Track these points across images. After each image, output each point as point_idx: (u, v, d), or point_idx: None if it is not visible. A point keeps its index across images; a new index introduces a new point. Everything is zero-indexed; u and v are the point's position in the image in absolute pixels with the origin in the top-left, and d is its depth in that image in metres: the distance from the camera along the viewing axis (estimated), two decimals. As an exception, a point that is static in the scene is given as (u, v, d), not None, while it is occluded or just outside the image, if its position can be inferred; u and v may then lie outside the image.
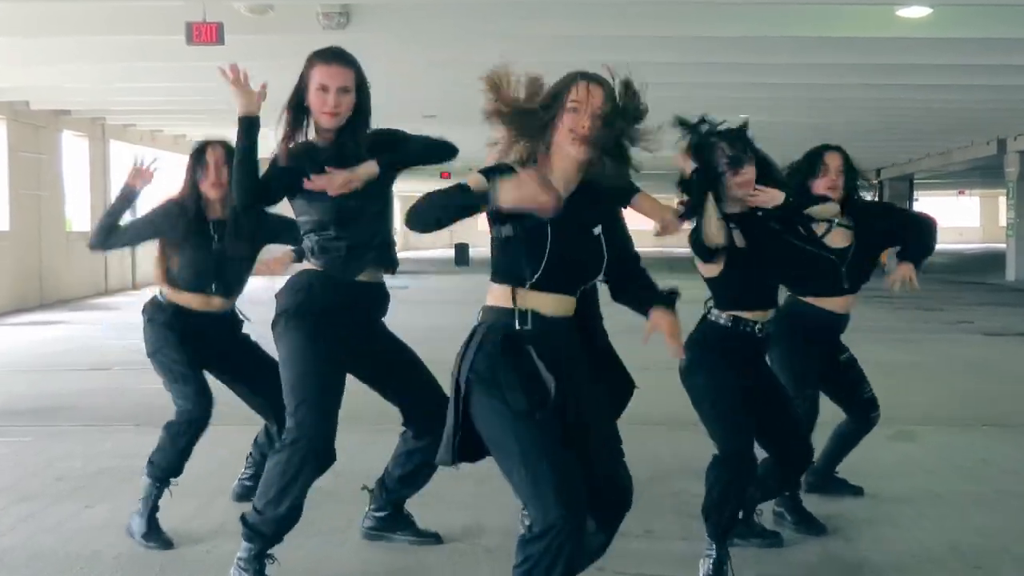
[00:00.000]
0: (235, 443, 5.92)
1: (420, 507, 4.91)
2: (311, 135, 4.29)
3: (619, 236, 3.53)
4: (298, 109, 4.24)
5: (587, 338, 3.65)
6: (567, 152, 3.33)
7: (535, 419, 3.27)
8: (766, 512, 4.99)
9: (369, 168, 4.22)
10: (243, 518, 4.28)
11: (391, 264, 4.45)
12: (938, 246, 5.31)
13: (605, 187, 3.43)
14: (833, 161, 5.11)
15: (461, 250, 34.65)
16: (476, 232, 37.46)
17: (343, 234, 4.26)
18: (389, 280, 4.50)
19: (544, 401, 3.30)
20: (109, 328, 14.40)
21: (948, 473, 6.21)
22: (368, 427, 5.89)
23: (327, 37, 11.63)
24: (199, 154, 5.00)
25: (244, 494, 5.33)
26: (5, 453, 6.79)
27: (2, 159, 17.79)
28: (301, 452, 4.18)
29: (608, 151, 3.35)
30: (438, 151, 4.46)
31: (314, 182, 4.11)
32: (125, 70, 14.95)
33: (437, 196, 3.32)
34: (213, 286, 5.01)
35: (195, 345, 4.98)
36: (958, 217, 60.56)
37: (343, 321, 4.28)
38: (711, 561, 4.37)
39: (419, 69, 14.56)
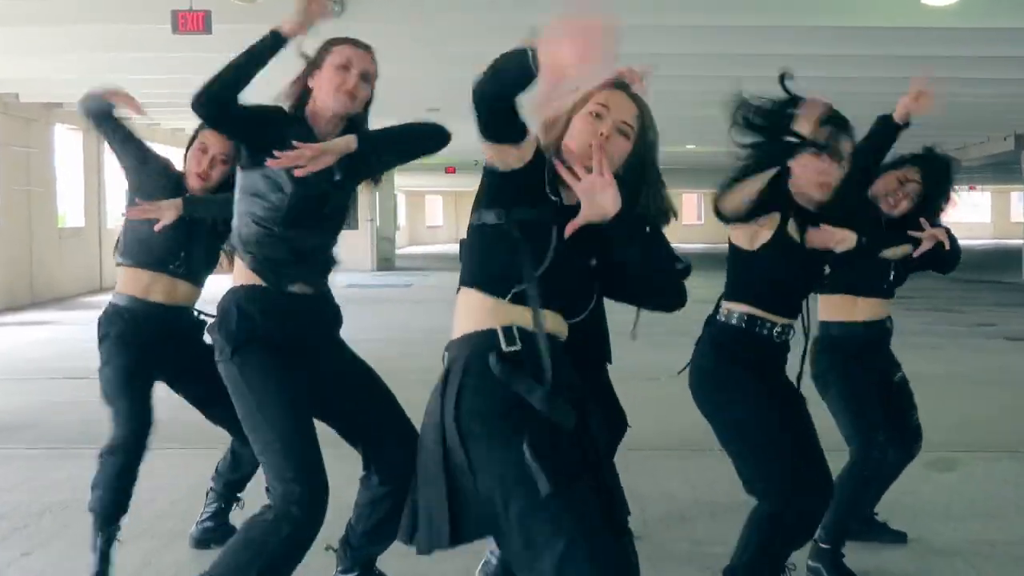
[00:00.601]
0: (202, 470, 5.28)
1: (398, 557, 4.26)
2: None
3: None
4: (302, 93, 3.65)
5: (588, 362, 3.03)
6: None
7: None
8: (800, 566, 4.35)
9: (346, 142, 3.56)
10: None
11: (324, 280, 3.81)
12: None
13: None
14: (911, 178, 4.52)
15: (466, 246, 34.09)
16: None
17: (289, 235, 3.61)
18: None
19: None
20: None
21: (1003, 513, 5.54)
22: (354, 455, 5.27)
23: (321, 25, 11.18)
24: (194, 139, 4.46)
25: (204, 539, 4.73)
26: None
27: (-10, 153, 17.33)
28: (300, 529, 3.50)
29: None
30: (424, 135, 3.76)
31: (280, 159, 3.45)
32: (118, 61, 14.51)
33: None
34: (177, 263, 4.39)
35: (154, 357, 4.37)
36: (968, 213, 59.95)
37: (291, 343, 3.62)
38: None
39: (421, 61, 14.03)
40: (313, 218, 3.64)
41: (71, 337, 13.26)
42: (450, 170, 32.84)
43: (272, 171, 3.53)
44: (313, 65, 3.66)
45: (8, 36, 12.59)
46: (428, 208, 55.30)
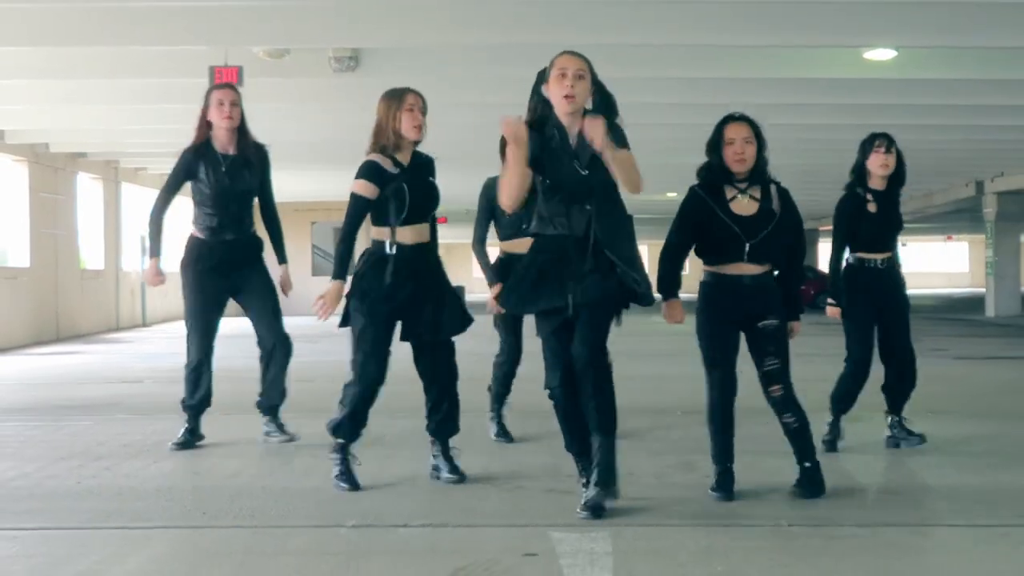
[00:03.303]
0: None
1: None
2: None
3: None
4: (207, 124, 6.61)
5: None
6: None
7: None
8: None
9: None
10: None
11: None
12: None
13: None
14: (738, 132, 5.39)
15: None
16: (472, 279, 38.06)
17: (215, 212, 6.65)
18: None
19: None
20: (129, 356, 15.08)
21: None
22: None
23: (338, 80, 12.34)
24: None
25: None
26: (70, 432, 7.49)
27: (24, 199, 18.61)
28: (191, 368, 6.68)
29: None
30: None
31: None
32: (140, 112, 15.46)
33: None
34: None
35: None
36: (946, 262, 61.26)
37: (221, 270, 6.61)
38: None
39: (430, 113, 15.05)
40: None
41: (107, 361, 14.38)
42: (441, 220, 33.79)
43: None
44: (206, 107, 6.59)
45: (43, 86, 13.76)
46: (419, 261, 56.06)
